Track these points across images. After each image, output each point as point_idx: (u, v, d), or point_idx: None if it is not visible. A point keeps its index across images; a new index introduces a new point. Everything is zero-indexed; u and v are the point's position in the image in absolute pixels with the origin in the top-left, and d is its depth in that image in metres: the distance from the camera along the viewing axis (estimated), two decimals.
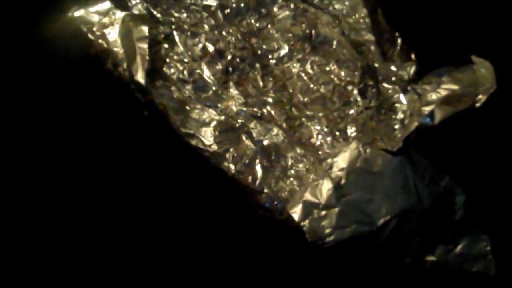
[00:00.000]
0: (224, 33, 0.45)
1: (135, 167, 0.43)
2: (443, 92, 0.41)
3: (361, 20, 0.47)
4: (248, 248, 0.42)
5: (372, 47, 0.46)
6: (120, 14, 0.44)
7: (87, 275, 0.41)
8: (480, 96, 0.40)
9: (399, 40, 0.47)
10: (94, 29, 0.44)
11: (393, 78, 0.45)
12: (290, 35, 0.46)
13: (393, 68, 0.45)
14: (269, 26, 0.46)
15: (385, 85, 0.44)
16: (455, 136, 0.43)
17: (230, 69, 0.44)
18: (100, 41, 0.44)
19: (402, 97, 0.43)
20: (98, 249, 0.41)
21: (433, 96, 0.41)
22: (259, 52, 0.45)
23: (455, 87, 0.41)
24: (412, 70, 0.45)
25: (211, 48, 0.44)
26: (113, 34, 0.44)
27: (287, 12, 0.46)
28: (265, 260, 0.42)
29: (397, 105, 0.43)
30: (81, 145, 0.43)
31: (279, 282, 0.42)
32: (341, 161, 0.39)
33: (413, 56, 0.47)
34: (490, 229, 0.40)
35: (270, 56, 0.45)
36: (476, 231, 0.40)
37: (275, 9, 0.47)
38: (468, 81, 0.41)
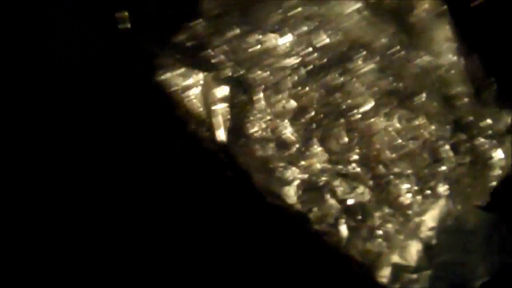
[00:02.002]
0: (307, 89, 0.45)
1: (218, 227, 0.44)
2: None
3: (452, 71, 0.46)
4: None
5: (466, 99, 0.45)
6: (202, 75, 0.45)
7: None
8: None
9: (495, 86, 0.45)
10: (178, 91, 0.46)
11: (489, 132, 0.43)
12: (376, 88, 0.45)
13: (488, 121, 0.44)
14: (354, 79, 0.46)
15: (480, 139, 0.43)
16: None
17: (314, 125, 0.44)
18: (183, 103, 0.46)
19: (499, 152, 0.42)
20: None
21: None
22: (344, 107, 0.45)
23: None
24: (510, 120, 0.44)
25: (293, 104, 0.45)
26: (196, 95, 0.46)
27: (372, 65, 0.46)
28: None
29: (493, 160, 0.42)
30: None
31: None
32: (430, 219, 0.39)
33: (508, 104, 0.44)
34: None
35: (355, 111, 0.45)
36: None
37: (359, 62, 0.46)
38: None
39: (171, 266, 0.44)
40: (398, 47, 0.46)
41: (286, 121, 0.44)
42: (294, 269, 0.42)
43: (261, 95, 0.45)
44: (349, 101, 0.45)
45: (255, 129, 0.44)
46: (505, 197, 0.38)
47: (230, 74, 0.45)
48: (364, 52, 0.46)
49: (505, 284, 0.38)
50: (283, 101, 0.45)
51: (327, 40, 0.46)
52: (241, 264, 0.43)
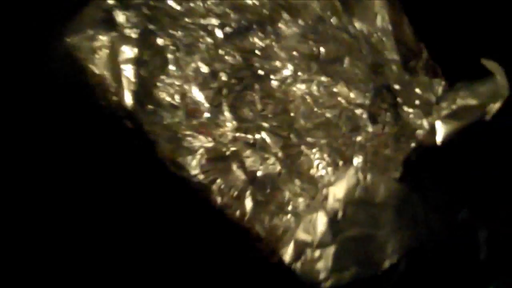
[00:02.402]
0: (221, 52, 0.43)
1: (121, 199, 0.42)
2: (456, 107, 0.37)
3: (384, 39, 0.44)
4: None
5: (394, 67, 0.43)
6: (108, 36, 0.42)
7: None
8: (491, 105, 0.36)
9: (425, 53, 0.43)
10: (84, 55, 0.43)
11: (417, 101, 0.41)
12: (296, 53, 0.43)
13: (417, 90, 0.42)
14: (273, 44, 0.43)
15: (406, 109, 0.41)
16: (471, 156, 0.38)
17: (225, 91, 0.42)
18: (89, 66, 0.42)
19: (425, 123, 0.40)
20: None
21: (447, 112, 0.37)
22: (260, 72, 0.43)
23: (473, 101, 0.37)
24: (440, 90, 0.41)
25: (204, 69, 0.42)
26: (102, 58, 0.42)
27: (295, 29, 0.43)
28: None
29: (419, 131, 0.40)
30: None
31: None
32: (338, 191, 0.36)
33: (439, 72, 0.43)
34: None
35: (272, 77, 0.43)
36: (504, 278, 0.35)
37: (281, 25, 0.44)
38: (488, 93, 0.36)
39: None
40: (329, 13, 0.44)
41: (196, 86, 0.42)
42: (194, 245, 0.40)
43: (171, 57, 0.42)
44: (266, 66, 0.43)
45: (163, 95, 0.42)
46: (417, 166, 0.35)
47: (139, 34, 0.42)
48: (288, 16, 0.44)
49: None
50: (193, 65, 0.42)
51: (250, 2, 0.44)
52: (139, 236, 0.41)
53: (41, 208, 0.42)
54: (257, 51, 0.43)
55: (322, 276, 0.35)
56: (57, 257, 0.42)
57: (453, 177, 0.37)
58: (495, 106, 0.36)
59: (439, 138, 0.37)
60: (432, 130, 0.37)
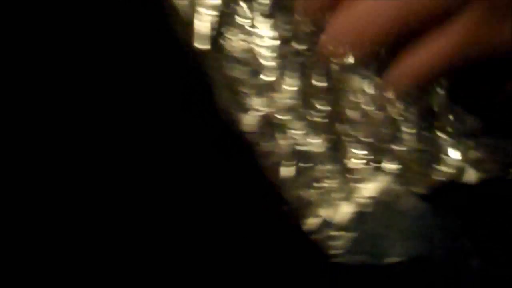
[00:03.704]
0: (297, 19, 0.44)
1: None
2: (484, 154, 0.42)
3: None
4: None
5: (439, 90, 0.46)
6: None
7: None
8: None
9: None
10: None
11: (449, 129, 0.45)
12: None
13: (450, 117, 0.45)
14: None
15: (438, 133, 0.45)
16: (485, 199, 0.44)
17: (291, 58, 0.44)
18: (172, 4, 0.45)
19: (450, 151, 0.44)
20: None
21: (476, 155, 0.42)
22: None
23: (501, 152, 0.42)
24: (471, 125, 0.45)
25: (278, 33, 0.44)
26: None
27: None
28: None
29: (443, 156, 0.44)
30: None
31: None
32: (369, 189, 0.41)
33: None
34: None
35: (333, 60, 0.45)
36: None
37: None
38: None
39: None
40: None
41: (266, 48, 0.44)
42: (230, 195, 0.45)
43: (249, 16, 0.44)
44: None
45: (233, 48, 0.44)
46: (442, 195, 0.41)
47: None
48: None
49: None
50: (269, 27, 0.44)
51: None
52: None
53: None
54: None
55: (335, 252, 0.40)
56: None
57: (462, 208, 0.43)
58: None
59: (466, 180, 0.42)
60: (459, 171, 0.42)
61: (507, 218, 0.45)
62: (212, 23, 0.44)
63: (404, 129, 0.45)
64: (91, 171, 0.47)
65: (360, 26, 0.26)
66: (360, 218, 0.41)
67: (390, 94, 0.45)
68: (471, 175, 0.42)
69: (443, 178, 0.42)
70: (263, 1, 0.45)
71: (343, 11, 0.26)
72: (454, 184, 0.42)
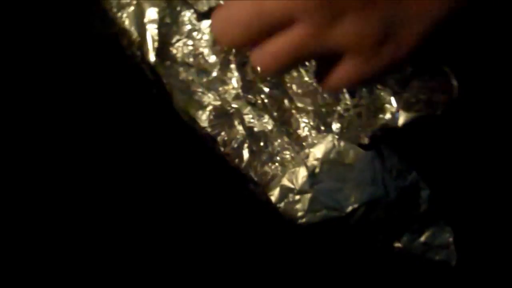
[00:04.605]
0: None
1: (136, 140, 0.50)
2: (417, 96, 0.47)
3: None
4: (235, 224, 0.49)
5: None
6: None
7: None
8: (442, 105, 0.46)
9: None
10: (114, 9, 0.50)
11: (388, 81, 0.49)
12: None
13: None
14: None
15: (379, 86, 0.49)
16: (423, 135, 0.48)
17: (234, 51, 0.49)
18: (118, 20, 0.50)
19: (392, 99, 0.48)
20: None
21: (410, 98, 0.47)
22: None
23: (429, 92, 0.46)
24: (408, 71, 0.49)
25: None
26: (129, 14, 0.50)
27: None
28: (250, 236, 0.49)
29: (387, 105, 0.48)
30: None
31: (260, 258, 0.49)
32: (317, 151, 0.46)
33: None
34: (453, 222, 0.47)
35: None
36: (440, 224, 0.47)
37: None
38: (441, 88, 0.46)
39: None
40: None
41: (208, 46, 0.49)
42: (200, 185, 0.49)
43: (188, 19, 0.50)
44: None
45: (179, 53, 0.49)
46: (380, 139, 0.46)
47: None
48: None
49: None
50: (207, 27, 0.49)
51: None
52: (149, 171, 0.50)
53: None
54: None
55: (299, 214, 0.45)
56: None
57: (407, 148, 0.47)
58: (446, 104, 0.45)
59: (400, 123, 0.46)
60: (395, 115, 0.47)
61: (444, 149, 0.50)
62: (154, 36, 0.49)
63: (344, 90, 0.49)
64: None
65: (230, 22, 0.32)
66: (314, 178, 0.45)
67: None
68: (406, 117, 0.46)
69: (384, 125, 0.46)
70: (200, 4, 0.49)
71: (222, 9, 0.33)
72: (392, 128, 0.46)
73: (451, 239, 0.47)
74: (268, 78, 0.49)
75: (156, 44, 0.49)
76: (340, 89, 0.34)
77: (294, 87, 0.50)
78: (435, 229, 0.47)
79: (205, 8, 0.50)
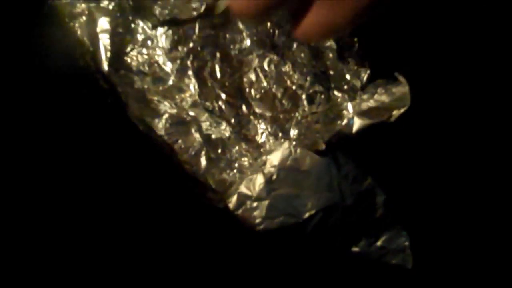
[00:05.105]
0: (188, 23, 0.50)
1: (91, 151, 0.49)
2: (372, 103, 0.48)
3: None
4: (193, 232, 0.49)
5: (331, 54, 0.52)
6: (87, 5, 0.49)
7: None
8: (395, 112, 0.47)
9: (357, 46, 0.52)
10: (66, 18, 0.50)
11: (345, 86, 0.51)
12: (255, 30, 0.51)
13: (347, 76, 0.51)
14: (237, 19, 0.51)
15: (336, 92, 0.50)
16: (377, 141, 0.49)
17: (190, 57, 0.49)
18: (70, 30, 0.50)
19: (349, 105, 0.49)
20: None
21: (366, 106, 0.48)
22: (222, 41, 0.50)
23: (386, 99, 0.47)
24: (365, 78, 0.51)
25: (173, 35, 0.49)
26: (81, 24, 0.49)
27: None
28: (208, 244, 0.49)
29: (344, 112, 0.49)
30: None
31: (219, 264, 0.49)
32: (274, 158, 0.46)
33: (366, 63, 0.52)
34: (409, 226, 0.48)
35: (231, 46, 0.50)
36: (396, 228, 0.48)
37: None
38: (398, 96, 0.47)
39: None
40: None
41: (164, 53, 0.49)
42: (157, 193, 0.49)
43: (141, 28, 0.50)
44: (228, 36, 0.50)
45: (134, 62, 0.49)
46: (336, 146, 0.46)
47: (113, 5, 0.49)
48: None
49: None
50: (162, 34, 0.49)
51: None
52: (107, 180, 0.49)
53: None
54: (220, 23, 0.50)
55: (257, 221, 0.45)
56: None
57: (362, 155, 0.48)
58: (399, 112, 0.46)
59: (354, 129, 0.47)
60: (350, 122, 0.47)
61: (399, 155, 0.51)
62: (107, 46, 0.49)
63: (302, 96, 0.50)
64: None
65: None
66: (271, 185, 0.46)
67: (286, 67, 0.51)
68: (360, 124, 0.47)
69: (340, 132, 0.47)
70: (154, 14, 0.50)
71: None
72: (348, 135, 0.47)
73: (407, 243, 0.48)
74: (226, 84, 0.50)
75: (109, 53, 0.49)
76: (314, 38, 0.34)
77: (252, 92, 0.50)
78: (391, 234, 0.48)
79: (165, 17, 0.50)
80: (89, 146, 0.50)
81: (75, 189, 0.49)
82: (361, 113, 0.47)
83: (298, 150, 0.46)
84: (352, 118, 0.47)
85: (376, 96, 0.48)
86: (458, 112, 0.53)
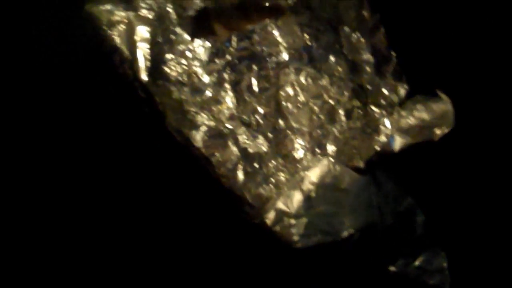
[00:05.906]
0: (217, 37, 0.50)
1: (129, 161, 0.50)
2: (413, 120, 0.47)
3: (362, 40, 0.52)
4: (231, 247, 0.49)
5: (368, 69, 0.51)
6: (126, 14, 0.49)
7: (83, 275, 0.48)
8: (438, 132, 0.46)
9: (394, 60, 0.52)
10: (104, 26, 0.50)
11: (383, 102, 0.50)
12: (292, 41, 0.50)
13: (384, 91, 0.50)
14: (274, 30, 0.50)
15: (373, 108, 0.50)
16: (418, 160, 0.49)
17: (228, 69, 0.49)
18: (109, 38, 0.50)
19: (386, 121, 0.49)
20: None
21: (405, 123, 0.47)
22: (259, 54, 0.50)
23: (426, 116, 0.47)
24: (403, 93, 0.50)
25: (211, 48, 0.49)
26: (120, 33, 0.49)
27: (294, 19, 0.51)
28: (246, 258, 0.49)
29: (381, 127, 0.49)
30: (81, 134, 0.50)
31: (256, 282, 0.49)
32: (312, 175, 0.46)
33: (404, 78, 0.51)
34: (447, 247, 0.47)
35: (268, 60, 0.50)
36: (434, 249, 0.47)
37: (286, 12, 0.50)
38: (439, 113, 0.47)
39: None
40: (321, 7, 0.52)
41: (202, 65, 0.49)
42: (195, 205, 0.50)
43: (179, 37, 0.49)
44: (265, 49, 0.50)
45: (172, 72, 0.49)
46: (376, 164, 0.46)
47: (153, 15, 0.49)
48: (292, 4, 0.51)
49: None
50: (200, 45, 0.49)
51: None
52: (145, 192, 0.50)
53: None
54: (257, 35, 0.50)
55: (294, 238, 0.45)
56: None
57: (402, 173, 0.48)
58: (443, 132, 0.46)
59: (397, 148, 0.47)
60: (390, 140, 0.47)
61: (440, 175, 0.50)
62: (146, 55, 0.49)
63: (340, 111, 0.50)
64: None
65: None
66: (309, 202, 0.45)
67: (323, 81, 0.50)
68: (402, 143, 0.47)
69: (379, 148, 0.46)
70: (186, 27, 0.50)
71: None
72: (388, 152, 0.46)
73: (445, 264, 0.47)
74: (263, 97, 0.49)
75: (148, 63, 0.48)
76: None
77: (289, 106, 0.49)
78: (429, 254, 0.47)
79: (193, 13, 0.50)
80: (126, 155, 0.50)
81: (111, 196, 0.49)
82: (402, 131, 0.47)
83: (337, 168, 0.46)
84: (392, 135, 0.47)
85: (415, 113, 0.47)
86: (504, 133, 0.52)
